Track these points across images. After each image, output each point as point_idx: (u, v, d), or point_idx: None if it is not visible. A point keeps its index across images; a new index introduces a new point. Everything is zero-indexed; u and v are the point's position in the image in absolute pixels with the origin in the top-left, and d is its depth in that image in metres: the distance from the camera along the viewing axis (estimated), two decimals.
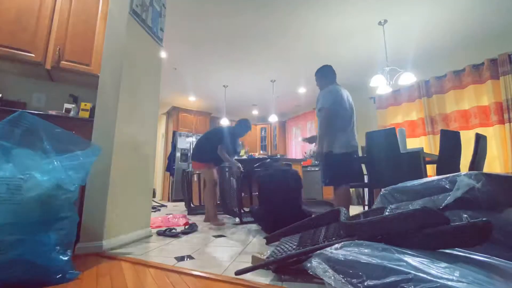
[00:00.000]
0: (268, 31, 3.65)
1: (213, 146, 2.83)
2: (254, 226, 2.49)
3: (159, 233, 2.03)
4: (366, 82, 4.80)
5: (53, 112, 1.92)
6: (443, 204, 1.07)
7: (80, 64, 2.05)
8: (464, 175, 1.08)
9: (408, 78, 3.26)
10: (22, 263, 0.92)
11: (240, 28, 3.60)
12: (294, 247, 1.16)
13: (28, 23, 1.90)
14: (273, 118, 5.74)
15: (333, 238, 1.09)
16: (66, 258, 1.03)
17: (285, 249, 1.19)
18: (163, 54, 3.37)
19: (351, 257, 0.79)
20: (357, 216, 1.35)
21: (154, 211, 3.79)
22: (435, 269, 0.67)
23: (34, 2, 1.94)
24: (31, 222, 0.95)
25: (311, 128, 6.86)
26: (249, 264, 1.24)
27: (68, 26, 2.03)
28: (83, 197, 1.54)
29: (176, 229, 2.11)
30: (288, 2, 3.08)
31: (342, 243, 0.90)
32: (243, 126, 3.05)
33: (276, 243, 1.49)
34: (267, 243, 1.63)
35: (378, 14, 3.28)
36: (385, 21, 3.37)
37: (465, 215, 0.90)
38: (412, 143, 4.34)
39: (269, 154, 7.67)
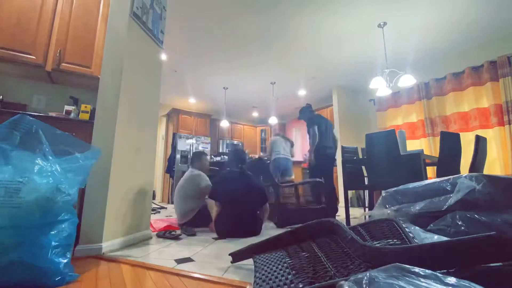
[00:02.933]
0: (268, 33, 3.66)
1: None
2: None
3: (158, 235, 2.03)
4: (366, 84, 4.82)
5: (53, 114, 1.93)
6: (445, 206, 1.07)
7: (81, 66, 2.05)
8: (464, 177, 1.08)
9: (407, 80, 3.27)
10: (22, 265, 0.91)
11: (241, 31, 3.61)
12: (289, 273, 0.88)
13: (29, 26, 1.91)
14: (273, 120, 5.74)
15: (347, 264, 0.82)
16: (65, 261, 1.03)
17: (274, 276, 0.90)
18: (163, 56, 3.38)
19: None
20: (354, 228, 1.12)
21: (154, 213, 3.78)
22: None
23: (35, 5, 1.95)
24: (30, 225, 0.95)
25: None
26: (249, 266, 1.23)
27: (69, 29, 2.04)
28: (83, 199, 1.54)
29: (176, 232, 2.10)
30: (288, 5, 3.09)
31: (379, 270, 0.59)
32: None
33: (246, 261, 1.26)
34: (233, 261, 1.31)
35: (377, 17, 3.29)
36: (385, 23, 3.39)
37: None
38: (412, 145, 4.34)
39: None
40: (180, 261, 1.39)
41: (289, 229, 1.17)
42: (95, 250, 1.47)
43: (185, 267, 1.28)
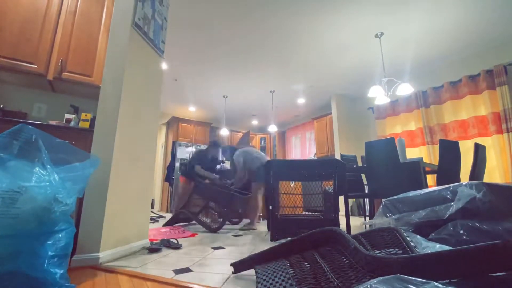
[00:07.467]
0: (268, 43, 3.72)
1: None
2: (252, 236, 2.45)
3: (157, 245, 1.99)
4: (364, 93, 4.87)
5: (53, 122, 1.93)
6: (446, 215, 1.06)
7: (82, 75, 2.07)
8: (465, 185, 1.08)
9: (405, 89, 3.31)
10: (17, 275, 0.90)
11: (240, 40, 3.67)
12: (291, 284, 0.85)
13: (32, 35, 1.94)
14: (273, 128, 5.76)
15: (350, 275, 0.80)
16: (61, 271, 1.01)
17: (277, 287, 0.88)
18: (164, 65, 3.42)
19: None
20: (355, 237, 1.10)
21: (153, 222, 3.74)
22: None
23: (38, 15, 1.98)
24: (26, 235, 0.94)
25: (310, 137, 6.87)
26: (249, 276, 1.21)
27: (71, 39, 2.07)
28: (81, 208, 1.52)
29: (177, 241, 2.08)
30: (287, 15, 3.15)
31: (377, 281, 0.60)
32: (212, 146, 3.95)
33: (246, 272, 1.23)
34: (235, 272, 1.28)
35: (374, 27, 3.36)
36: (382, 33, 3.45)
37: None
38: (411, 153, 4.34)
39: None
40: (178, 271, 1.37)
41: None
42: (92, 260, 1.45)
43: (183, 278, 1.26)
